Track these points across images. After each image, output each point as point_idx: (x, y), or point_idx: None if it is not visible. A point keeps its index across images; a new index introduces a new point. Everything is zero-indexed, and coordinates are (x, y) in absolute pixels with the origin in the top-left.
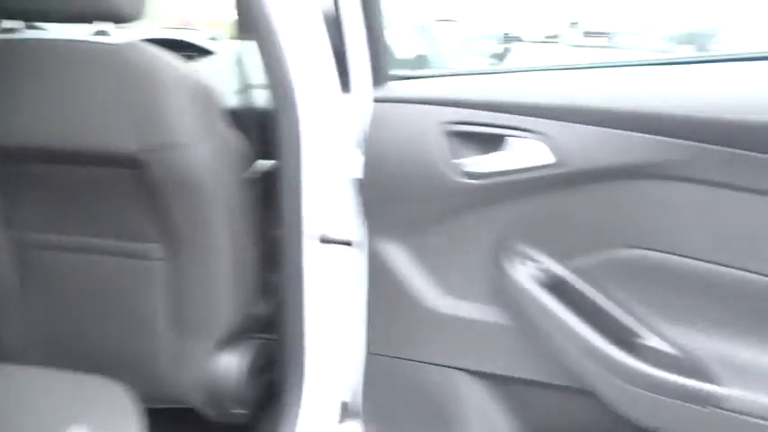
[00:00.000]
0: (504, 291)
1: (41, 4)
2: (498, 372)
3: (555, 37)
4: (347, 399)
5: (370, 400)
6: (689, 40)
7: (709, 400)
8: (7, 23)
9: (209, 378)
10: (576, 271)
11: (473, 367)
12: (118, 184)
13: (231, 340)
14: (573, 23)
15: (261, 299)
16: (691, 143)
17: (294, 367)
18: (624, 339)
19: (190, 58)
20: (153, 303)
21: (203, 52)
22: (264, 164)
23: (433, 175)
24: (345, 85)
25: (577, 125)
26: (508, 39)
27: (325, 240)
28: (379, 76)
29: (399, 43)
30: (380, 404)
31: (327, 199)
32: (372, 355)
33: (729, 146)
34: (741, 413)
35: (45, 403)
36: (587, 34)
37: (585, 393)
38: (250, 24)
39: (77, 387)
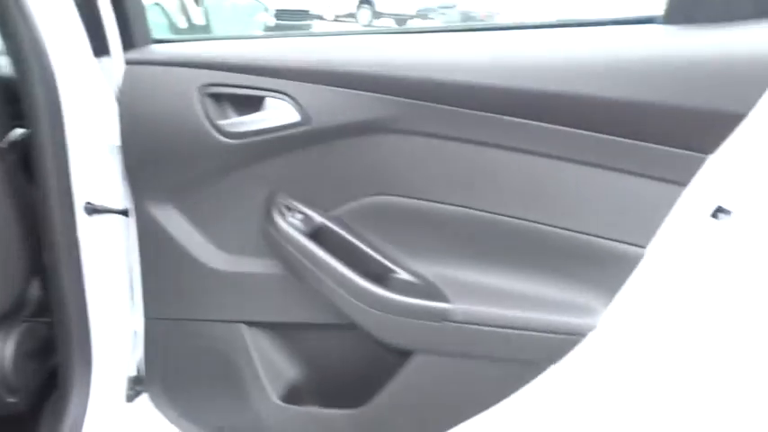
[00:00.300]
0: (274, 243)
1: None
2: (277, 319)
3: (351, 16)
4: (135, 372)
5: (153, 368)
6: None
7: (444, 316)
8: None
9: None
10: (333, 219)
11: (253, 318)
12: None
13: None
14: (364, 2)
15: (30, 278)
16: (413, 101)
17: (78, 349)
18: (378, 275)
19: None
20: None
21: None
22: (16, 133)
23: (194, 136)
24: (102, 48)
25: (321, 86)
26: (301, 16)
27: (95, 210)
28: (135, 39)
29: (177, 13)
30: (165, 369)
31: (92, 167)
32: (151, 320)
33: (442, 103)
34: (467, 323)
35: None
36: (378, 15)
37: (353, 327)
38: None
39: None
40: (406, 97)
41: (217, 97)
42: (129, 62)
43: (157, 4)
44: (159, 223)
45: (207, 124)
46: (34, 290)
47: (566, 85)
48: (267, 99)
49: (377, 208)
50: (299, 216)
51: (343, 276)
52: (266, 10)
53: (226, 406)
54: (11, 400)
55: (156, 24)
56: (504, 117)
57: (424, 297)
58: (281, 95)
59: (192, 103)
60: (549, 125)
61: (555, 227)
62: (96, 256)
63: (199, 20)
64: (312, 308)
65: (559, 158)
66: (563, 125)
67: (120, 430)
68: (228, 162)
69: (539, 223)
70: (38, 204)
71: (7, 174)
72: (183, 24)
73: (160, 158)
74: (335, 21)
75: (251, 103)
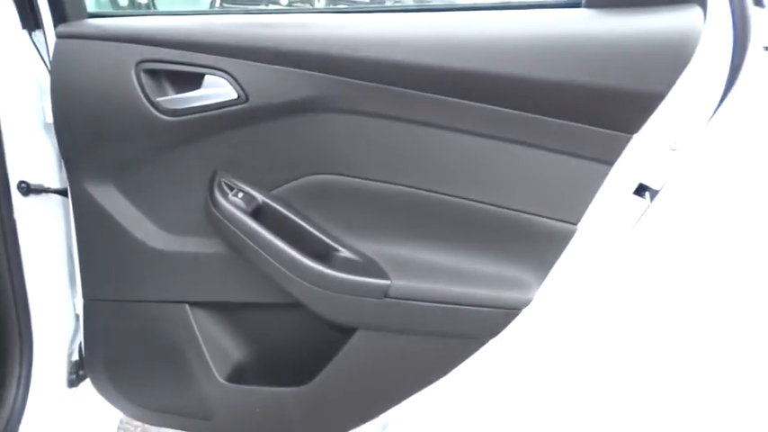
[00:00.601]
0: (216, 222)
1: None
2: (221, 299)
3: None
4: (76, 357)
5: (94, 350)
6: None
7: (384, 293)
8: None
9: None
10: (274, 198)
11: (197, 298)
12: None
13: None
14: None
15: None
16: (352, 80)
17: (17, 333)
18: (319, 253)
19: None
20: None
21: None
22: None
23: (131, 114)
24: (33, 21)
25: (259, 64)
26: None
27: (31, 190)
28: (68, 13)
29: None
30: (106, 352)
31: (27, 145)
32: (90, 301)
33: (381, 82)
34: (405, 299)
35: None
36: None
37: (297, 306)
38: None
39: None
40: (344, 76)
41: (154, 74)
42: (60, 36)
43: None
44: (98, 203)
45: (144, 101)
46: None
47: (495, 64)
48: (206, 77)
49: (318, 187)
50: (241, 195)
51: (284, 255)
52: None
53: (170, 387)
54: None
55: (97, 0)
56: (439, 96)
57: (365, 274)
58: (219, 72)
59: (129, 80)
60: (483, 105)
61: (490, 204)
62: (34, 237)
63: None
64: (256, 287)
65: (492, 138)
66: (494, 104)
67: (62, 415)
68: (167, 140)
69: (474, 201)
70: None
71: None
72: (124, 1)
73: (96, 136)
74: (290, 5)
75: (189, 80)
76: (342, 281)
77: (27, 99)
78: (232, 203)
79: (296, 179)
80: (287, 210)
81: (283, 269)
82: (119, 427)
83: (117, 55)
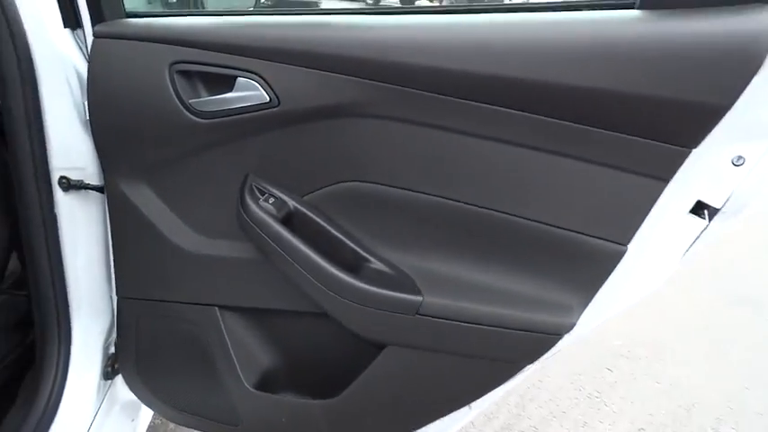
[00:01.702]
0: (246, 226)
1: None
2: (251, 305)
3: None
4: (113, 350)
5: (126, 347)
6: None
7: (417, 309)
8: None
9: None
10: (305, 204)
11: (227, 302)
12: None
13: None
14: None
15: (9, 251)
16: (388, 85)
17: (56, 325)
18: (350, 263)
19: None
20: None
21: None
22: None
23: (165, 114)
24: (73, 20)
25: (291, 66)
26: None
27: (72, 186)
28: (106, 12)
29: None
30: (138, 349)
31: (69, 141)
32: (124, 299)
33: (420, 88)
34: (438, 317)
35: None
36: None
37: (327, 316)
38: None
39: None
40: (381, 81)
41: (188, 75)
42: (98, 35)
43: None
44: (131, 201)
45: (177, 102)
46: (6, 263)
47: (540, 71)
48: (239, 79)
49: (351, 194)
50: (272, 200)
51: (314, 264)
52: None
53: (198, 389)
54: None
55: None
56: (483, 105)
57: (397, 289)
58: (251, 75)
59: (163, 81)
60: (528, 114)
61: (533, 221)
62: (74, 232)
63: None
64: (287, 295)
65: (537, 149)
66: (539, 114)
67: (97, 405)
68: (200, 142)
69: (517, 216)
70: (15, 182)
71: None
72: None
73: (130, 136)
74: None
75: (222, 82)
76: (372, 295)
77: (70, 96)
78: (262, 208)
79: (328, 185)
80: (318, 217)
81: (312, 279)
82: (151, 422)
83: (151, 55)
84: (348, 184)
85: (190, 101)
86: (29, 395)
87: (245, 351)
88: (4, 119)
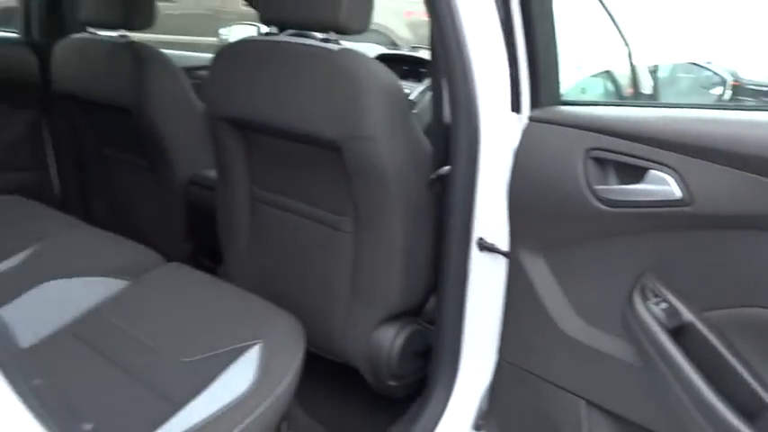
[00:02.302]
0: (629, 327)
1: (290, 16)
2: (618, 411)
3: None
4: (483, 405)
5: (493, 407)
6: None
7: None
8: (265, 29)
9: (369, 344)
10: (705, 321)
11: (595, 400)
12: (324, 163)
13: (393, 317)
14: None
15: (424, 291)
16: None
17: (448, 362)
18: (745, 406)
19: (414, 74)
20: (338, 269)
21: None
22: (444, 169)
23: (574, 197)
24: (516, 104)
25: (714, 165)
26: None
27: (485, 247)
28: (542, 99)
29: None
30: (500, 413)
31: (490, 209)
32: (503, 361)
33: None
34: None
35: (230, 315)
36: None
37: None
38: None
39: (261, 308)
40: None
41: (601, 162)
42: (532, 119)
43: (608, 71)
44: (526, 272)
45: (585, 188)
46: (422, 299)
47: None
48: (651, 171)
49: (763, 323)
50: (664, 305)
51: (699, 393)
52: (724, 84)
53: None
54: (391, 383)
55: (607, 92)
56: None
57: None
58: (666, 169)
59: (577, 165)
60: None
61: None
62: (480, 289)
63: (647, 89)
64: (662, 415)
65: None
66: None
67: None
68: (600, 229)
69: None
70: (442, 233)
71: (430, 202)
72: (629, 92)
73: (538, 211)
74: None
75: (633, 173)
76: None
77: (498, 170)
78: (650, 312)
79: (737, 307)
80: (717, 340)
81: (694, 409)
82: None
83: (571, 140)
84: (760, 309)
85: (597, 187)
86: (413, 415)
87: None
88: (448, 183)
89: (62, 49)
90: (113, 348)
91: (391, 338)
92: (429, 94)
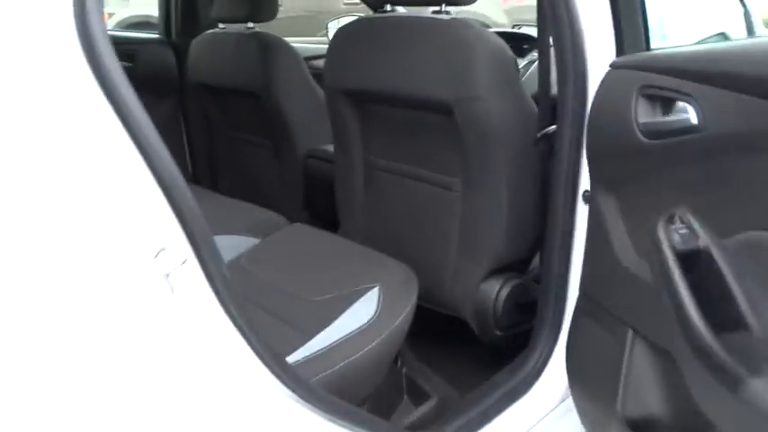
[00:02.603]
0: (647, 249)
1: None
2: (651, 337)
3: None
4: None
5: (571, 338)
6: None
7: None
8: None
9: (476, 296)
10: (717, 246)
11: (636, 326)
12: (436, 127)
13: (499, 271)
14: None
15: (529, 245)
16: None
17: (553, 314)
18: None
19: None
20: (448, 226)
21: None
22: (550, 128)
23: (627, 131)
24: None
25: (722, 90)
26: None
27: (585, 198)
28: (626, 46)
29: None
30: (572, 343)
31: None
32: (581, 294)
33: None
34: None
35: (351, 263)
36: None
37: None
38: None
39: (378, 258)
40: None
41: (651, 99)
42: (612, 66)
43: (723, 33)
44: (601, 210)
45: (633, 122)
46: (529, 254)
47: None
48: (677, 102)
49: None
50: (683, 230)
51: (682, 309)
52: None
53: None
54: (497, 332)
55: None
56: None
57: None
58: (685, 97)
59: (630, 103)
60: None
61: None
62: (581, 239)
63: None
64: (667, 331)
65: None
66: None
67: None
68: (645, 161)
69: None
70: (548, 188)
71: (536, 161)
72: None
73: (607, 151)
74: None
75: (668, 105)
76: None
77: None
78: (666, 233)
79: (753, 231)
80: (727, 266)
81: (686, 347)
82: None
83: (629, 80)
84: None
85: (642, 121)
86: (518, 365)
87: (649, 380)
88: (555, 140)
89: (197, 44)
90: (253, 292)
91: (497, 290)
92: (531, 68)
